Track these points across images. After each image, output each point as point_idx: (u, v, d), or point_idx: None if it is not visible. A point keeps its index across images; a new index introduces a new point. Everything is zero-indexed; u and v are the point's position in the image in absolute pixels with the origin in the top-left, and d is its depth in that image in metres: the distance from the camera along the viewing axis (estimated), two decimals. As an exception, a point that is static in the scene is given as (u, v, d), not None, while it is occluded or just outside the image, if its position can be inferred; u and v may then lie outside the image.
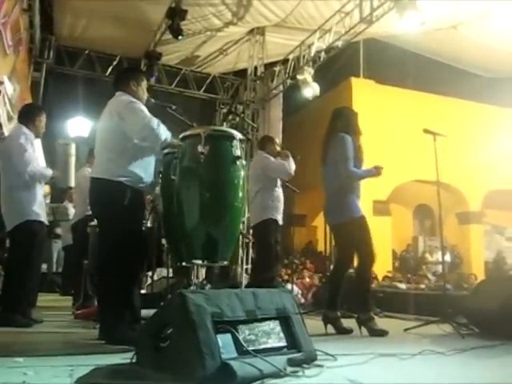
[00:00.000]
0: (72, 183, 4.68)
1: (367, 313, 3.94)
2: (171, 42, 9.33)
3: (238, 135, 3.43)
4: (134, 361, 2.31)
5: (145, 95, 3.54)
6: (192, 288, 4.35)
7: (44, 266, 9.27)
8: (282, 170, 4.95)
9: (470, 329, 4.08)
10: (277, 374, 2.12)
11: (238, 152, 3.33)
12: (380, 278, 9.78)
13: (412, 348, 2.96)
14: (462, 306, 4.36)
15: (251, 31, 9.92)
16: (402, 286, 8.42)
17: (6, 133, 5.92)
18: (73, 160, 4.58)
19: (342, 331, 3.96)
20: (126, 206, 3.21)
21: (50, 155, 4.53)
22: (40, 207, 4.24)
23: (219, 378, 1.97)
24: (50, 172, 4.32)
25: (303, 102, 10.95)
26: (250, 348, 2.18)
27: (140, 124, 3.24)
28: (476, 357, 2.99)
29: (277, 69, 10.65)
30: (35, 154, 4.30)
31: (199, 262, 3.35)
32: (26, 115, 4.38)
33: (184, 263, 3.58)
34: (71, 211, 6.73)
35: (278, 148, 5.25)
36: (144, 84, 3.56)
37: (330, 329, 4.02)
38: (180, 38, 8.32)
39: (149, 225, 4.81)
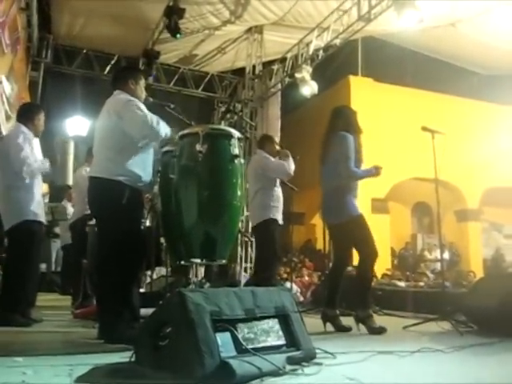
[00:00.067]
0: (70, 181, 4.68)
1: (366, 310, 3.94)
2: (169, 41, 9.32)
3: (237, 134, 3.43)
4: (133, 360, 2.32)
5: (143, 94, 3.54)
6: (191, 287, 4.36)
7: (43, 266, 9.27)
8: (282, 170, 4.91)
9: (468, 326, 4.08)
10: (276, 373, 2.13)
11: (236, 150, 3.33)
12: (379, 275, 9.79)
13: (411, 345, 2.96)
14: (461, 303, 4.37)
15: (249, 30, 9.91)
16: (401, 283, 8.42)
17: (4, 132, 5.91)
18: (71, 158, 4.59)
19: (341, 329, 3.97)
20: (125, 205, 3.21)
21: (48, 154, 4.53)
22: (38, 207, 4.23)
23: (218, 376, 1.97)
24: (47, 163, 4.30)
25: (301, 101, 10.93)
26: (249, 346, 2.18)
27: (139, 122, 3.24)
28: (474, 354, 3.00)
29: (275, 67, 10.64)
30: (33, 153, 4.30)
31: (198, 260, 3.35)
32: (25, 114, 4.37)
33: (183, 262, 3.58)
34: (70, 210, 6.73)
35: (278, 147, 5.22)
36: (142, 83, 3.56)
37: (329, 327, 4.02)
38: (178, 36, 8.31)
39: (147, 224, 4.81)
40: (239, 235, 8.44)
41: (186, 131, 3.40)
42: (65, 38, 9.79)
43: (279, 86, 10.55)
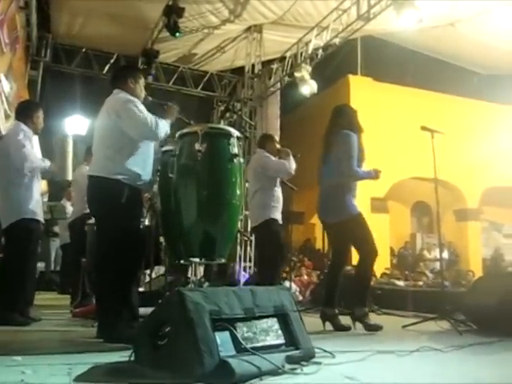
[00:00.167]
0: (69, 176, 4.68)
1: (362, 309, 3.93)
2: (168, 40, 9.31)
3: (236, 133, 3.43)
4: (132, 359, 2.31)
5: (142, 93, 3.53)
6: (190, 286, 4.36)
7: (42, 265, 9.28)
8: (283, 169, 4.86)
9: (467, 325, 4.09)
10: (275, 372, 2.13)
11: (235, 150, 3.34)
12: (378, 275, 9.79)
13: (410, 345, 2.97)
14: (460, 302, 4.37)
15: (248, 29, 9.90)
16: (400, 283, 8.42)
17: (4, 131, 5.91)
18: (70, 153, 4.59)
19: (340, 328, 3.96)
20: (124, 204, 3.21)
21: (47, 152, 4.53)
22: (36, 205, 4.23)
23: (217, 375, 1.97)
24: (48, 163, 4.31)
25: (301, 100, 10.93)
26: (248, 345, 2.18)
27: (138, 123, 3.24)
28: (474, 353, 3.00)
29: (274, 66, 10.64)
30: (33, 150, 4.30)
31: (197, 259, 3.35)
32: (24, 112, 4.37)
33: (182, 261, 3.58)
34: (69, 209, 6.72)
35: (278, 146, 5.19)
36: (142, 82, 3.56)
37: (328, 326, 4.02)
38: (177, 35, 8.30)
39: (147, 223, 4.81)
40: (238, 234, 8.42)
41: (185, 130, 3.40)
42: (64, 37, 9.77)
43: (278, 85, 10.56)
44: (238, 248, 9.28)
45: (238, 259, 9.26)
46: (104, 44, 10.10)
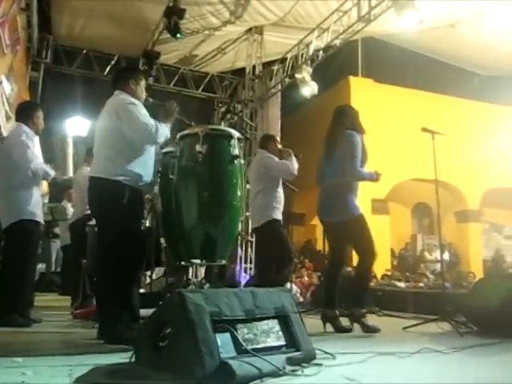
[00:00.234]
0: (70, 173, 4.68)
1: (360, 309, 3.92)
2: (169, 41, 9.31)
3: (236, 134, 3.43)
4: (132, 360, 2.31)
5: (143, 94, 3.54)
6: (191, 287, 4.35)
7: (43, 266, 9.28)
8: (286, 170, 4.82)
9: (468, 327, 4.09)
10: (276, 373, 2.13)
11: (236, 151, 3.34)
12: (379, 276, 9.79)
13: (411, 346, 2.97)
14: (461, 304, 4.37)
15: (249, 30, 9.90)
16: (401, 284, 8.42)
17: (5, 133, 5.91)
18: (71, 154, 4.60)
19: (341, 330, 3.96)
20: (125, 205, 3.21)
21: (48, 154, 4.54)
22: (36, 207, 4.23)
23: (218, 377, 1.97)
24: (53, 172, 4.33)
25: (301, 101, 10.93)
26: (249, 347, 2.18)
27: (138, 127, 3.23)
28: (474, 355, 3.00)
29: (275, 68, 10.64)
30: (36, 152, 4.31)
31: (198, 261, 3.35)
32: (24, 113, 4.37)
33: (183, 262, 3.58)
34: (70, 211, 6.72)
35: (280, 146, 5.14)
36: (143, 83, 3.56)
37: (329, 327, 4.02)
38: (178, 36, 8.30)
39: (147, 224, 4.80)
40: (239, 236, 8.41)
41: (185, 132, 3.41)
42: (65, 38, 9.78)
43: (279, 86, 10.55)
44: (239, 249, 9.28)
45: (238, 260, 9.26)
46: (105, 45, 10.11)
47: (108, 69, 10.39)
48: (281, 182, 4.95)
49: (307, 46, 9.57)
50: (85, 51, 10.28)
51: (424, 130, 4.51)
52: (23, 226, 4.11)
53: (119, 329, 3.06)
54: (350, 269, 5.68)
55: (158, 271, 5.82)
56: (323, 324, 4.06)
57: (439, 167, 4.54)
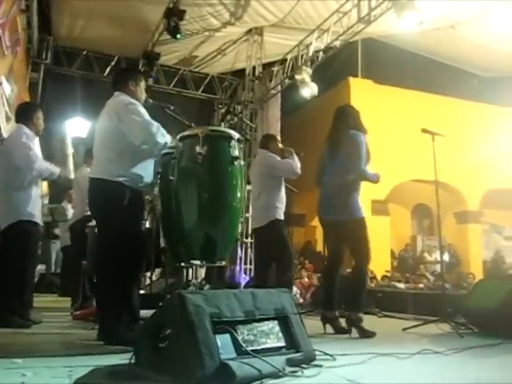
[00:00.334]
0: (72, 175, 4.68)
1: (357, 314, 3.89)
2: (169, 42, 9.32)
3: (236, 135, 3.43)
4: (132, 361, 2.31)
5: (143, 95, 3.54)
6: (190, 288, 4.35)
7: (42, 267, 9.28)
8: (289, 168, 4.78)
9: (468, 328, 4.09)
10: (276, 374, 2.13)
11: (236, 152, 3.33)
12: (379, 277, 9.80)
13: (411, 347, 2.96)
14: (461, 305, 4.37)
15: (249, 31, 9.91)
16: (401, 285, 8.44)
17: (5, 134, 5.91)
18: (71, 155, 4.60)
19: (341, 331, 3.95)
20: (126, 206, 3.21)
21: (48, 154, 4.54)
22: (35, 208, 4.22)
23: (218, 378, 1.97)
24: (57, 169, 4.32)
25: (301, 102, 10.94)
26: (249, 348, 2.18)
27: (138, 129, 3.23)
28: (474, 356, 3.00)
29: (275, 69, 10.64)
30: (37, 153, 4.31)
31: (198, 262, 3.35)
32: (24, 114, 4.37)
33: (183, 263, 3.58)
34: (70, 212, 6.73)
35: (281, 145, 5.09)
36: (142, 84, 3.56)
37: (329, 329, 4.02)
38: (178, 37, 8.30)
39: (147, 225, 4.80)
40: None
41: (185, 133, 3.40)
42: (65, 39, 9.79)
43: (279, 87, 10.55)
44: (239, 250, 9.28)
45: (238, 261, 9.26)
46: (105, 46, 10.12)
47: (108, 70, 10.39)
48: (283, 182, 4.93)
49: (307, 47, 9.58)
50: (85, 52, 10.28)
51: (424, 131, 4.51)
52: (22, 227, 4.11)
53: (119, 330, 3.06)
54: (349, 270, 5.66)
55: (158, 272, 5.82)
56: (323, 325, 4.06)
57: (439, 168, 4.54)
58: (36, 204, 4.26)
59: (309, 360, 2.42)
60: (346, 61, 11.88)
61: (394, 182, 12.01)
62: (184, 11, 7.99)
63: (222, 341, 2.13)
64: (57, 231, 8.76)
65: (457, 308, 4.38)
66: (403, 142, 11.55)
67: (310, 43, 9.39)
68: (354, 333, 3.83)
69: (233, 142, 3.36)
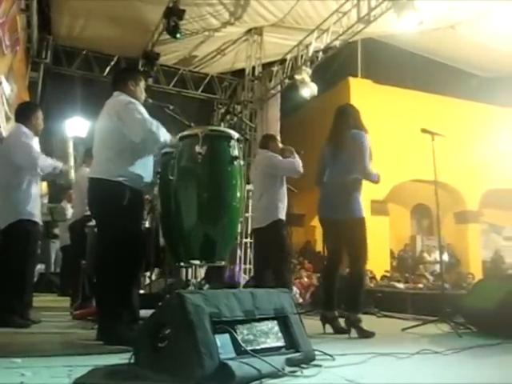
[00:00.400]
0: (72, 175, 4.68)
1: (356, 314, 3.89)
2: (169, 42, 9.33)
3: (236, 135, 3.43)
4: (132, 361, 2.32)
5: (143, 95, 3.54)
6: (190, 288, 4.35)
7: (42, 267, 9.27)
8: (292, 167, 4.75)
9: (467, 328, 4.09)
10: (275, 374, 2.13)
11: (235, 152, 3.33)
12: (378, 277, 9.80)
13: (410, 347, 2.96)
14: (460, 305, 4.37)
15: (249, 31, 9.92)
16: (400, 285, 8.44)
17: (4, 133, 5.90)
18: (72, 155, 4.60)
19: (340, 331, 3.95)
20: (125, 206, 3.21)
21: (48, 154, 4.54)
22: (34, 207, 4.22)
23: (217, 378, 1.97)
24: (60, 164, 4.32)
25: (301, 102, 10.93)
26: (249, 348, 2.18)
27: (139, 126, 3.23)
28: (474, 356, 3.00)
29: (275, 69, 10.65)
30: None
31: (197, 262, 3.35)
32: (23, 113, 4.37)
33: (182, 263, 3.58)
34: (69, 211, 6.72)
35: (281, 145, 5.07)
36: (142, 84, 3.56)
37: (329, 329, 4.02)
38: (178, 36, 8.30)
39: (147, 225, 4.80)
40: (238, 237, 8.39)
41: (185, 133, 3.40)
42: (64, 38, 9.80)
43: (279, 87, 10.56)
44: (239, 250, 9.27)
45: (238, 261, 9.26)
46: (104, 46, 10.12)
47: (108, 69, 10.40)
48: (285, 182, 4.90)
49: (307, 47, 9.58)
50: (84, 52, 10.30)
51: (423, 131, 4.51)
52: (21, 226, 4.10)
53: (119, 329, 3.06)
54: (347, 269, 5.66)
55: (157, 272, 5.82)
56: (322, 325, 4.05)
57: (438, 168, 4.54)
58: (36, 203, 4.26)
59: (308, 360, 2.42)
60: (346, 61, 11.87)
61: (394, 182, 12.00)
62: (184, 11, 7.99)
63: (222, 340, 2.13)
64: (56, 231, 8.76)
65: (456, 308, 4.38)
66: (403, 142, 11.54)
67: (310, 43, 9.39)
68: (354, 333, 3.83)
69: (232, 142, 3.36)
